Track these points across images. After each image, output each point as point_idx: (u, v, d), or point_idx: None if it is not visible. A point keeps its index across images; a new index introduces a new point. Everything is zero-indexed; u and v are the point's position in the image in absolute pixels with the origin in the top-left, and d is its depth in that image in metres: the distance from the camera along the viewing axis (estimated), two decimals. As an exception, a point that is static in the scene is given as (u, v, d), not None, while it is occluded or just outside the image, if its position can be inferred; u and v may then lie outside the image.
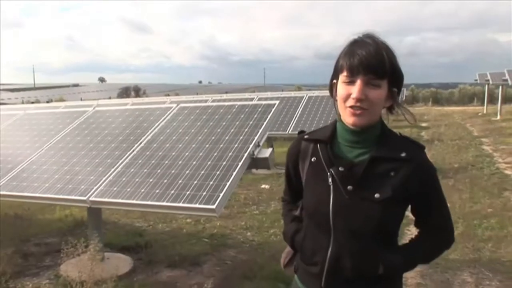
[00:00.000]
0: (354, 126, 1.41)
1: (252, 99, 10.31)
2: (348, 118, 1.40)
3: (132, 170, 3.58)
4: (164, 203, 3.09)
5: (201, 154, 3.54)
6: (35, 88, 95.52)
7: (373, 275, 1.42)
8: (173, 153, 3.66)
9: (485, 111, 21.88)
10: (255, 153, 3.42)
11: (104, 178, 3.57)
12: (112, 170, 3.65)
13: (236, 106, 4.19)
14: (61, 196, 3.51)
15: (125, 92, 70.58)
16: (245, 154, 3.38)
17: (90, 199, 3.38)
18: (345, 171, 1.41)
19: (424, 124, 17.96)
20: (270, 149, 3.58)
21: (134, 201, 3.21)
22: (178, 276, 4.07)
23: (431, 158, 8.94)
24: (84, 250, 3.30)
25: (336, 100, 1.45)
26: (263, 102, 4.15)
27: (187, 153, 3.60)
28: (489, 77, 20.42)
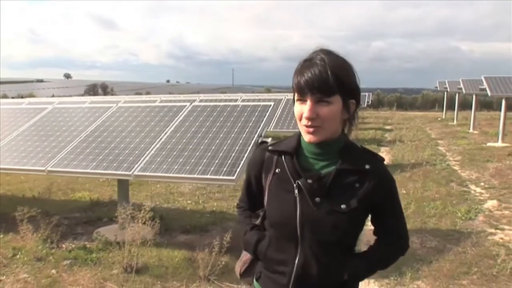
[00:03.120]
0: (310, 143, 1.46)
1: (236, 100, 11.43)
2: (304, 136, 1.46)
3: (163, 153, 4.65)
4: (195, 176, 4.18)
5: (217, 141, 4.64)
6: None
7: (338, 283, 1.49)
8: (195, 141, 4.75)
9: (444, 116, 23.76)
10: (259, 140, 4.55)
11: (141, 159, 4.62)
12: (147, 153, 4.70)
13: (240, 106, 5.30)
14: (109, 172, 4.54)
15: (92, 89, 69.93)
16: (252, 142, 4.51)
17: (134, 173, 4.43)
18: (313, 183, 1.44)
19: (388, 127, 19.49)
20: (270, 139, 4.71)
21: (171, 174, 4.29)
22: (193, 239, 5.16)
23: (392, 156, 10.45)
24: (134, 215, 4.32)
25: None
26: (261, 103, 5.28)
27: (206, 141, 4.70)
28: (447, 85, 22.20)
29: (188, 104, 5.59)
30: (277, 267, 1.52)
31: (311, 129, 1.41)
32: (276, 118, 10.57)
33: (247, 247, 1.65)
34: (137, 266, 4.20)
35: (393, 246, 1.60)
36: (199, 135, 4.83)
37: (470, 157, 10.73)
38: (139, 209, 4.42)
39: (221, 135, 4.73)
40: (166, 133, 5.01)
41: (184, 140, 4.78)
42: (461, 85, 18.36)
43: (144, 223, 4.26)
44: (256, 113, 5.05)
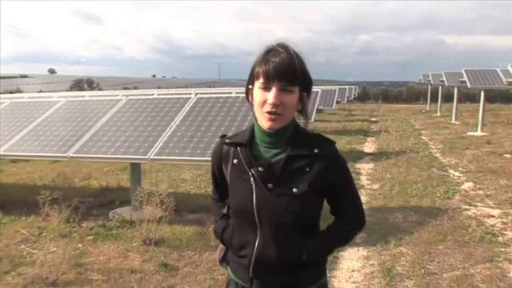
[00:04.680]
0: (270, 130, 1.53)
1: (230, 92, 11.96)
2: (265, 123, 1.52)
3: (175, 139, 5.20)
4: (207, 158, 4.74)
5: (223, 128, 5.21)
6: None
7: (297, 263, 1.57)
8: (203, 128, 5.31)
9: (428, 108, 24.58)
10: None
11: (155, 145, 5.17)
12: (160, 139, 5.25)
13: (241, 97, 5.87)
14: (127, 156, 5.09)
15: (78, 84, 69.57)
16: (254, 129, 5.09)
17: (150, 157, 4.99)
18: (264, 171, 1.53)
19: (373, 119, 20.21)
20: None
21: (184, 157, 4.85)
22: (200, 217, 5.73)
23: (378, 145, 11.21)
24: (153, 193, 4.88)
25: (253, 105, 1.57)
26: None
27: (213, 128, 5.27)
28: (430, 78, 22.99)
29: (193, 95, 6.13)
30: (240, 252, 1.62)
31: (273, 116, 1.48)
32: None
33: (216, 236, 1.77)
34: (155, 239, 4.77)
35: (349, 224, 1.69)
36: (206, 123, 5.39)
37: (450, 145, 11.45)
38: (154, 192, 4.98)
39: (226, 123, 5.30)
40: (175, 122, 5.56)
41: (193, 128, 5.34)
42: (443, 78, 19.12)
43: (162, 201, 4.81)
44: (256, 104, 5.62)
